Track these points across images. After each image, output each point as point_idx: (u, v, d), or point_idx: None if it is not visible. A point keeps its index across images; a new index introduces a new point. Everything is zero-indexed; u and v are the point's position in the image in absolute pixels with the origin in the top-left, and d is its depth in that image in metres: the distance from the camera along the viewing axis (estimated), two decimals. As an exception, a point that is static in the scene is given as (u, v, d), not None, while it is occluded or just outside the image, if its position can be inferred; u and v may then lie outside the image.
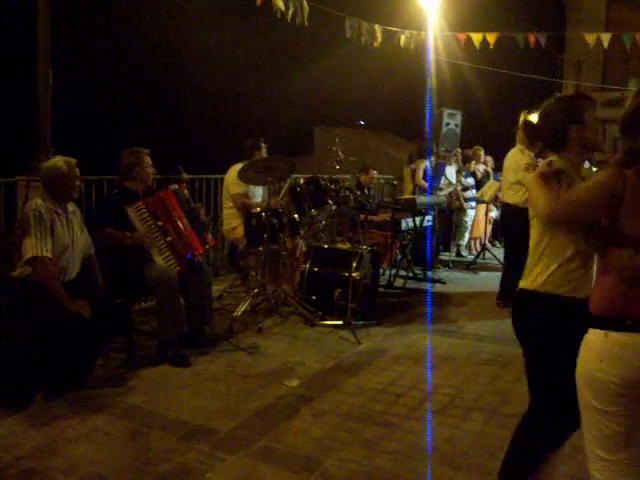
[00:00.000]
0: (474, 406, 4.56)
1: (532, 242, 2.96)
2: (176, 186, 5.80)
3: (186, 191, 5.91)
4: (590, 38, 11.54)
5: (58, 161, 4.74)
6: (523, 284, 2.99)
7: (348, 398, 4.63)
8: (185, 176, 6.31)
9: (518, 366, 5.33)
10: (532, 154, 7.06)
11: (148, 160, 5.52)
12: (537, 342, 2.94)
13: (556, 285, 2.84)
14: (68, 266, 4.73)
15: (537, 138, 6.20)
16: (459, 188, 10.73)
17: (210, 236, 6.08)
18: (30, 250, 4.42)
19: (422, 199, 8.30)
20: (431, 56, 11.68)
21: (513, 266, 7.39)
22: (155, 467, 3.57)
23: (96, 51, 19.26)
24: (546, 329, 2.88)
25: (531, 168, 6.86)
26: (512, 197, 7.10)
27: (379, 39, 10.00)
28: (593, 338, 2.47)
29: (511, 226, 7.34)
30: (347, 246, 6.82)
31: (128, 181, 5.49)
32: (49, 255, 4.49)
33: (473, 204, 11.06)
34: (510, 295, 7.45)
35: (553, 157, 2.96)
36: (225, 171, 7.51)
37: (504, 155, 7.45)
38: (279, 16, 8.13)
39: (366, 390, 4.79)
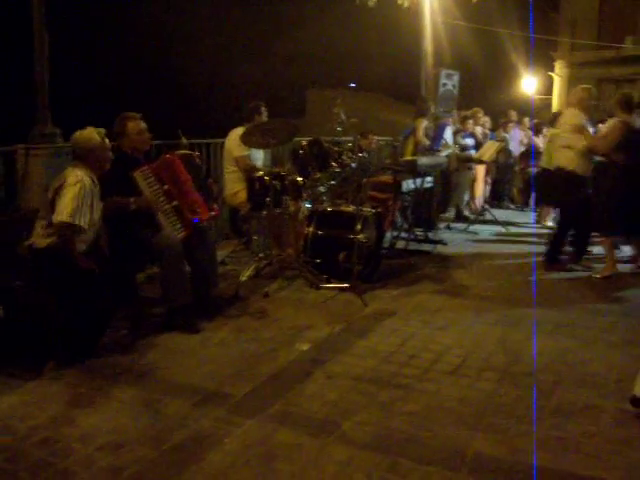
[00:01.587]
0: (486, 366, 4.56)
1: None
2: (190, 152, 5.73)
3: (198, 160, 5.85)
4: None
5: (91, 132, 4.65)
6: None
7: (360, 360, 4.62)
8: (185, 141, 6.23)
9: (526, 326, 5.38)
10: (585, 117, 7.18)
11: (136, 125, 5.32)
12: None
13: None
14: (93, 237, 4.68)
15: None
16: (457, 149, 10.65)
17: (215, 205, 6.02)
18: (67, 215, 4.35)
19: (423, 160, 8.22)
20: (427, 16, 11.55)
21: (564, 229, 7.48)
22: (172, 434, 3.55)
23: (96, 19, 18.96)
24: None
25: (577, 130, 6.94)
26: (561, 160, 7.37)
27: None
28: None
29: (563, 190, 7.42)
30: (351, 208, 6.77)
31: (124, 147, 5.39)
32: (85, 226, 4.45)
33: (472, 165, 11.00)
34: (556, 257, 7.60)
35: None
36: (222, 135, 7.42)
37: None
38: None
39: (377, 352, 4.77)
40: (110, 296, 4.61)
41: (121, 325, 5.12)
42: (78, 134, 4.70)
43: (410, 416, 3.81)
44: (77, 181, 4.44)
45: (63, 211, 4.37)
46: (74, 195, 4.38)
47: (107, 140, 4.73)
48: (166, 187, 5.24)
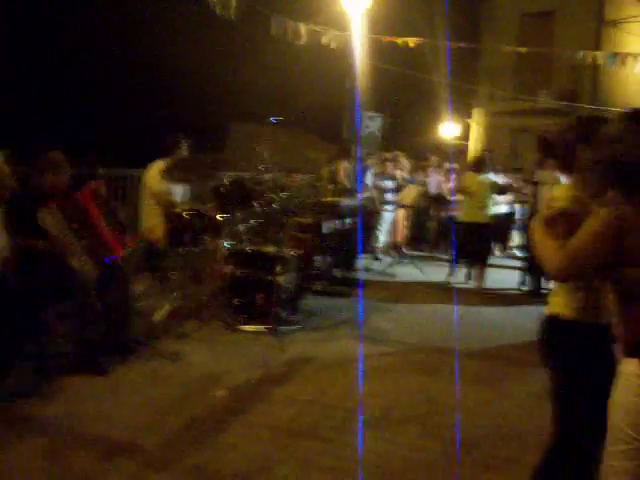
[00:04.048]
0: (408, 418, 4.47)
1: None
2: (93, 183, 5.46)
3: (104, 189, 5.58)
4: (508, 49, 11.86)
5: None
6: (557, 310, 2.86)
7: (279, 410, 4.45)
8: (101, 172, 5.99)
9: (445, 374, 5.33)
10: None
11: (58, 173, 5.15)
12: (575, 371, 2.83)
13: (586, 311, 2.76)
14: None
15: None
16: (377, 191, 10.69)
17: (128, 235, 5.76)
18: None
19: (346, 202, 8.21)
20: (355, 58, 11.63)
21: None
22: (75, 490, 3.30)
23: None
24: (584, 357, 2.78)
25: None
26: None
27: (304, 37, 9.85)
28: (632, 367, 2.39)
29: None
30: (271, 249, 6.63)
31: (38, 182, 5.12)
32: None
33: (391, 207, 11.06)
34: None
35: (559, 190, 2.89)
36: (142, 167, 7.17)
37: None
38: (213, 9, 7.85)
39: (296, 401, 4.62)
40: (13, 335, 4.30)
41: (24, 366, 4.78)
42: None
43: (330, 471, 3.67)
44: None
45: None
46: None
47: (6, 167, 4.43)
48: (75, 225, 4.95)
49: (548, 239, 2.66)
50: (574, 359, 2.79)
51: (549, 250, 2.62)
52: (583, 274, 2.61)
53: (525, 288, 9.18)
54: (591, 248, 2.45)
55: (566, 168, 2.90)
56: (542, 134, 3.16)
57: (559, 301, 2.83)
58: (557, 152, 2.95)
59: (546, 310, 2.92)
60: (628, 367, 2.41)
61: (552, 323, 2.87)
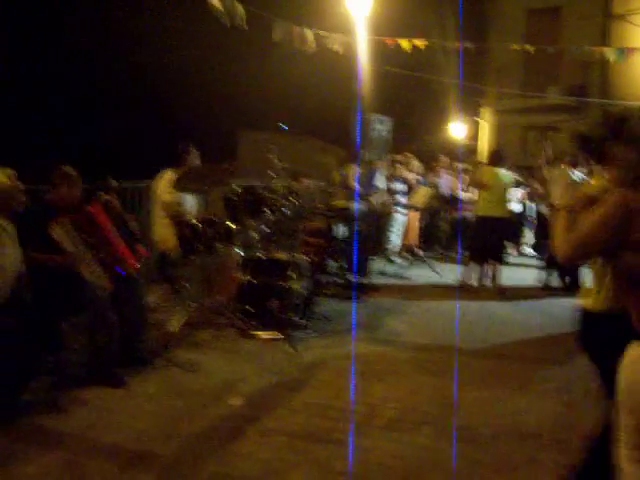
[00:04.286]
0: (422, 419, 4.49)
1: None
2: (106, 197, 5.51)
3: (116, 202, 5.64)
4: (515, 48, 11.87)
5: None
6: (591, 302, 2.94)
7: (294, 415, 4.48)
8: (114, 184, 6.04)
9: (458, 375, 5.34)
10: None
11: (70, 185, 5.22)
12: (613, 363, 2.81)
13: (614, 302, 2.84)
14: (6, 284, 4.41)
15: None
16: (388, 194, 10.71)
17: (142, 246, 5.81)
18: None
19: (356, 206, 8.23)
20: (361, 61, 11.64)
21: None
22: (95, 500, 3.35)
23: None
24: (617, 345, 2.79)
25: None
26: None
27: (312, 44, 9.85)
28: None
29: None
30: (284, 255, 6.66)
31: (52, 196, 5.19)
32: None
33: (404, 210, 11.07)
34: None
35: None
36: (151, 177, 7.22)
37: None
38: (224, 20, 7.86)
39: (311, 406, 4.65)
40: (31, 349, 4.35)
41: (42, 379, 4.84)
42: None
43: (345, 475, 3.69)
44: None
45: None
46: None
47: (18, 182, 4.49)
48: (89, 239, 5.00)
49: (561, 224, 2.78)
50: (611, 352, 2.80)
51: (560, 235, 2.75)
52: (587, 257, 2.80)
53: (541, 285, 9.18)
54: (596, 234, 2.57)
55: (600, 162, 2.98)
56: (575, 131, 3.28)
57: (594, 294, 2.87)
58: (591, 147, 3.04)
59: (581, 304, 2.95)
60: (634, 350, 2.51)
61: (588, 316, 2.91)
